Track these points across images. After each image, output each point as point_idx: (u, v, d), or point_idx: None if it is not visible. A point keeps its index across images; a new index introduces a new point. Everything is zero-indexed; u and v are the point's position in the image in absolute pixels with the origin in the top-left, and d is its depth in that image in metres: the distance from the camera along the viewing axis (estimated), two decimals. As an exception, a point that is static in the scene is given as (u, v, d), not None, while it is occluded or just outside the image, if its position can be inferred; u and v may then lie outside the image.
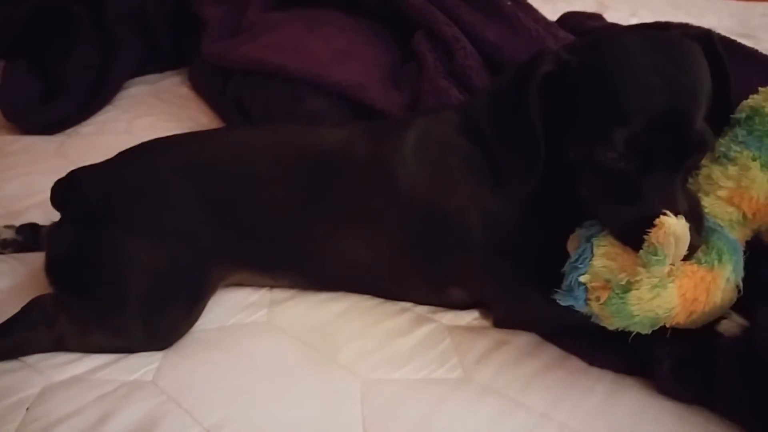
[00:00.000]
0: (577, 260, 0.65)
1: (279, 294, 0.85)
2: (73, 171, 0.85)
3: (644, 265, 0.60)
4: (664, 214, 0.59)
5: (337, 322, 0.79)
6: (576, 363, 0.71)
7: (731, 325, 0.64)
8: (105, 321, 0.74)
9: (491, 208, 0.75)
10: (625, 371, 0.69)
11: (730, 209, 0.65)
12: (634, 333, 0.63)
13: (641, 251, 0.59)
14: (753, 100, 0.68)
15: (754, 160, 0.65)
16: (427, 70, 0.97)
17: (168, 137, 0.88)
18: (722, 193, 0.66)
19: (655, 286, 0.60)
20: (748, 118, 0.67)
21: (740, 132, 0.66)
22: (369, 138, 0.83)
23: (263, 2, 1.25)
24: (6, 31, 1.47)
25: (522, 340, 0.75)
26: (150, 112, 1.36)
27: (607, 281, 0.62)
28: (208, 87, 1.30)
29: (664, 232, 0.57)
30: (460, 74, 0.96)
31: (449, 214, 0.77)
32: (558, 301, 0.66)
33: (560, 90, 0.66)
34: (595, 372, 0.70)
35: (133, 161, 0.83)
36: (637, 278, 0.60)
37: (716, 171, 0.67)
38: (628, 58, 0.64)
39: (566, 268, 0.66)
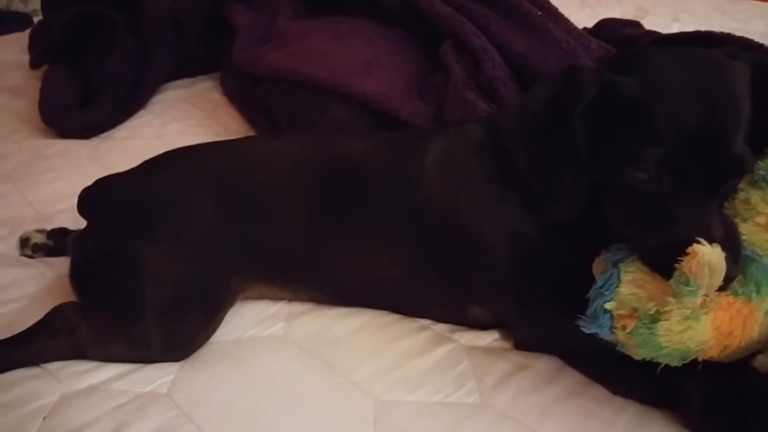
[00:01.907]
0: (602, 286, 0.61)
1: (297, 307, 0.82)
2: (99, 180, 0.84)
3: (675, 295, 0.55)
4: (698, 241, 0.55)
5: (354, 339, 0.76)
6: (598, 391, 0.67)
7: (768, 361, 0.59)
8: (124, 330, 0.73)
9: (515, 227, 0.71)
10: (650, 403, 0.65)
11: (770, 237, 0.60)
12: (662, 364, 0.59)
13: (672, 280, 0.55)
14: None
15: (796, 184, 0.60)
16: (454, 80, 0.94)
17: (190, 147, 0.87)
18: (761, 219, 0.60)
19: (686, 318, 0.55)
20: (792, 139, 0.62)
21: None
22: (390, 149, 0.80)
23: (292, 10, 1.23)
24: (49, 36, 1.48)
25: (543, 364, 0.71)
26: (181, 117, 1.35)
27: (635, 310, 0.58)
28: (238, 93, 1.29)
29: (698, 261, 0.53)
30: (488, 86, 0.92)
31: (472, 231, 0.73)
32: (582, 328, 0.61)
33: (596, 112, 0.62)
34: (619, 402, 0.65)
35: (154, 171, 0.82)
36: (667, 308, 0.56)
37: (755, 196, 0.62)
38: (666, 76, 0.59)
39: (591, 294, 0.62)
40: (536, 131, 0.67)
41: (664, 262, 0.57)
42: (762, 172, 0.62)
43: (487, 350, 0.74)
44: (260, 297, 0.83)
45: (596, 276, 0.67)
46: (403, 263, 0.77)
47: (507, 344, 0.76)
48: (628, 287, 0.59)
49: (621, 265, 0.61)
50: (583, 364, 0.69)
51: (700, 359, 0.58)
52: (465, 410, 0.65)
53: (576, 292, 0.68)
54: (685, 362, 0.58)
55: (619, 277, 0.60)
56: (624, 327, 0.58)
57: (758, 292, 0.56)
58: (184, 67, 1.52)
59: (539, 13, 0.95)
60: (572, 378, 0.69)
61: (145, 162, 0.85)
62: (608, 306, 0.60)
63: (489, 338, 0.77)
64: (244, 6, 1.32)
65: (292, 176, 0.79)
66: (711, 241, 0.55)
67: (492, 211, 0.73)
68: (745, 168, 0.59)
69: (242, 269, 0.79)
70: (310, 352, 0.74)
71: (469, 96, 0.91)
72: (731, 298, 0.56)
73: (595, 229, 0.68)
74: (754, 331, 0.57)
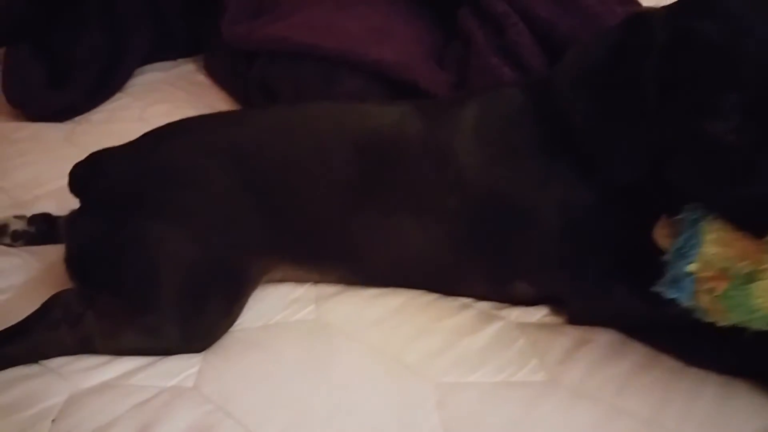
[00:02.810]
0: (682, 247, 0.56)
1: (325, 289, 0.75)
2: (94, 153, 0.74)
3: (774, 251, 0.51)
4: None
5: (395, 319, 0.69)
6: (671, 362, 0.62)
7: None
8: (137, 319, 0.64)
9: (568, 195, 0.66)
10: (730, 373, 0.60)
11: None
12: (743, 332, 0.54)
13: (771, 235, 0.51)
14: None
15: None
16: (477, 47, 0.88)
17: (199, 116, 0.78)
18: None
19: (787, 275, 0.51)
20: None
21: None
22: (423, 117, 0.73)
23: (287, -18, 1.15)
24: (10, 12, 1.35)
25: (605, 337, 0.65)
26: (165, 99, 1.25)
27: (724, 270, 0.53)
28: (229, 73, 1.19)
29: (806, 212, 0.49)
30: (512, 52, 0.87)
31: (519, 200, 0.67)
32: (661, 294, 0.56)
33: (667, 62, 0.57)
34: (697, 373, 0.60)
35: (164, 142, 0.73)
36: (764, 266, 0.51)
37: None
38: (745, 18, 0.54)
39: (670, 256, 0.57)
40: (598, 86, 0.62)
41: (756, 219, 0.52)
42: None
43: (540, 326, 0.69)
44: (284, 279, 0.75)
45: (658, 240, 0.62)
46: (443, 239, 0.70)
47: (559, 319, 0.70)
48: (713, 247, 0.54)
49: (701, 224, 0.56)
50: (650, 336, 0.64)
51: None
52: (534, 389, 0.59)
53: (637, 260, 0.64)
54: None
55: (700, 237, 0.55)
56: (711, 290, 0.53)
57: None
58: (164, 50, 1.41)
59: (563, -23, 0.91)
60: (640, 350, 0.64)
61: (147, 134, 0.76)
62: (691, 268, 0.55)
63: (539, 314, 0.71)
64: (231, -21, 1.23)
65: (319, 146, 0.72)
66: (805, 193, 0.51)
67: (541, 179, 0.67)
68: None
69: (267, 249, 0.71)
70: (351, 335, 0.67)
71: (493, 62, 0.86)
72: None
73: (654, 194, 0.63)
74: None
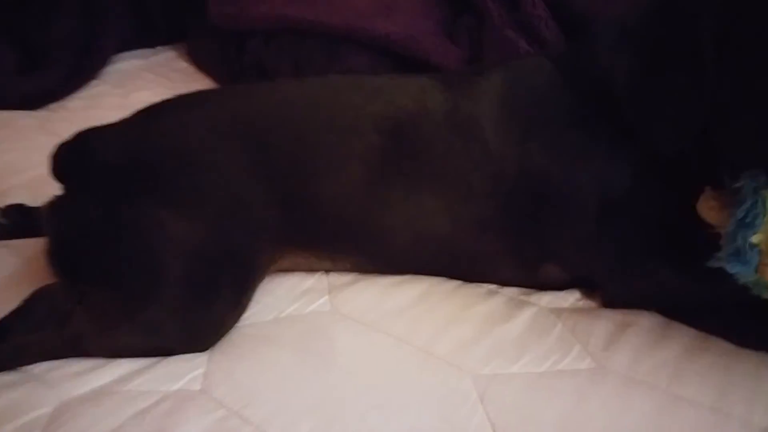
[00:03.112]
0: (745, 217, 0.51)
1: (338, 278, 0.68)
2: (82, 132, 0.66)
3: None
4: None
5: (420, 308, 0.63)
6: (723, 344, 0.57)
7: None
8: (135, 315, 0.56)
9: (606, 168, 0.61)
10: (791, 353, 0.56)
11: None
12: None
13: None
14: None
15: None
16: (491, 20, 0.83)
17: (200, 92, 0.71)
18: None
19: None
20: None
21: None
22: (445, 90, 0.67)
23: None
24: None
25: (647, 320, 0.61)
26: (146, 86, 1.17)
27: (793, 240, 0.49)
28: (217, 58, 1.12)
29: None
30: (528, 25, 0.82)
31: (552, 176, 0.62)
32: (724, 266, 0.51)
33: (726, 12, 0.52)
34: (753, 353, 0.56)
35: (163, 118, 0.66)
36: (842, 233, 0.47)
37: None
38: None
39: (730, 228, 0.52)
40: (645, 44, 0.57)
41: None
42: None
43: (575, 311, 0.63)
44: (292, 269, 0.68)
45: (705, 216, 0.57)
46: (468, 219, 0.65)
47: (593, 303, 0.65)
48: (780, 215, 0.50)
49: (764, 192, 0.51)
50: (697, 317, 0.60)
51: None
52: (583, 377, 0.54)
53: (682, 236, 0.59)
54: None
55: (764, 206, 0.51)
56: (779, 261, 0.49)
57: None
58: (142, 36, 1.33)
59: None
60: (687, 332, 0.59)
61: (142, 111, 0.68)
62: (756, 239, 0.50)
63: (571, 298, 0.66)
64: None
65: (333, 122, 0.65)
66: None
67: (576, 152, 0.62)
68: None
69: (277, 235, 0.64)
70: (372, 326, 0.61)
71: (509, 35, 0.81)
72: None
73: (696, 163, 0.59)
74: None
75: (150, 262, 0.57)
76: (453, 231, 0.65)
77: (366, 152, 0.64)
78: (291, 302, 0.65)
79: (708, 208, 0.57)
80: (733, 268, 0.51)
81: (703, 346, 0.57)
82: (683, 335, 0.58)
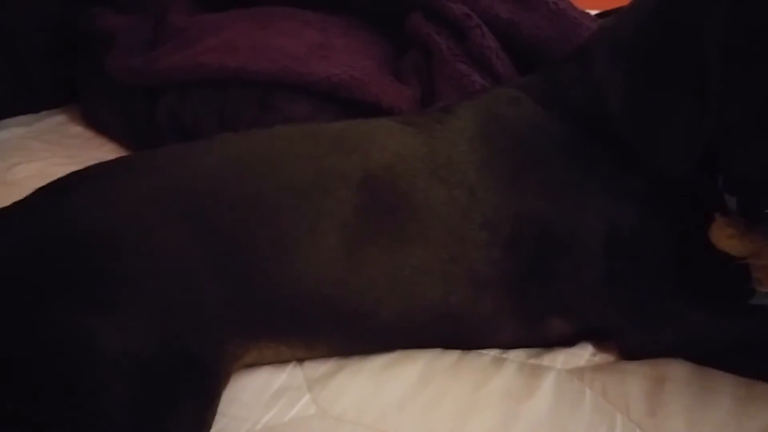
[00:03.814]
0: (789, 245, 0.46)
1: (315, 368, 0.57)
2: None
3: None
4: None
5: (426, 396, 0.52)
6: (769, 388, 0.52)
7: None
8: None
9: (608, 203, 0.55)
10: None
11: None
12: None
13: None
14: None
15: None
16: (441, 54, 0.76)
17: (119, 159, 0.58)
18: None
19: None
20: None
21: None
22: (415, 133, 0.59)
23: (186, 7, 0.96)
24: None
25: (680, 370, 0.54)
26: (35, 157, 0.99)
27: None
28: (121, 118, 0.97)
29: None
30: (478, 57, 0.76)
31: (550, 218, 0.55)
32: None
33: (731, 23, 0.47)
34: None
35: (74, 197, 0.52)
36: None
37: None
38: None
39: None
40: (643, 58, 0.53)
41: None
42: None
43: (597, 369, 0.56)
44: (257, 362, 0.56)
45: (721, 245, 0.53)
46: (462, 278, 0.56)
47: (610, 357, 0.58)
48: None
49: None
50: (735, 361, 0.53)
51: None
52: (643, 456, 0.46)
53: (702, 271, 0.54)
54: None
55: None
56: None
57: None
58: (23, 100, 1.15)
59: (514, -24, 0.82)
60: (729, 379, 0.52)
61: (42, 189, 0.54)
62: (805, 269, 0.45)
63: (586, 354, 0.58)
64: (112, 10, 1.02)
65: (299, 184, 0.55)
66: None
67: (574, 190, 0.56)
68: None
69: (239, 327, 0.52)
70: (377, 425, 0.49)
71: (462, 69, 0.74)
72: None
73: (703, 189, 0.54)
74: None
75: (82, 385, 0.43)
76: (446, 293, 0.56)
77: (336, 213, 0.54)
78: (265, 409, 0.52)
79: (726, 237, 0.53)
80: (785, 305, 0.46)
81: (755, 393, 0.50)
82: (727, 384, 0.52)
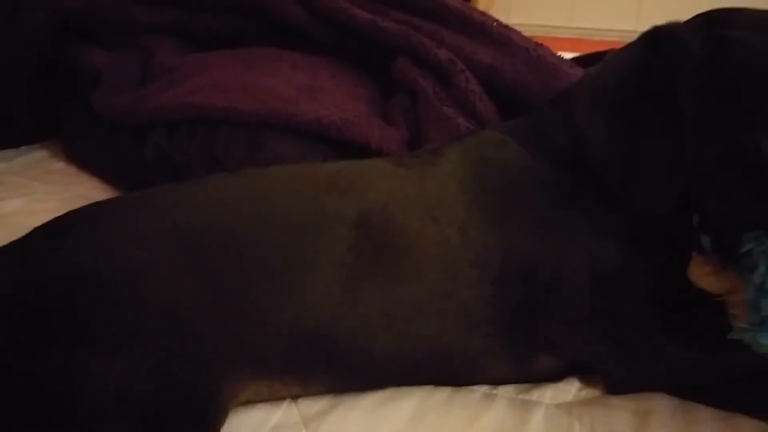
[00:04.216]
0: (763, 284, 0.49)
1: (310, 406, 0.58)
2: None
3: None
4: None
5: (422, 430, 0.54)
6: (752, 421, 0.54)
7: None
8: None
9: (595, 244, 0.58)
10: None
11: None
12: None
13: None
14: None
15: None
16: (427, 97, 0.79)
17: (116, 199, 0.59)
18: None
19: None
20: None
21: None
22: (406, 174, 0.62)
23: (175, 47, 0.99)
24: None
25: (664, 404, 0.57)
26: (16, 193, 0.99)
27: (818, 301, 0.48)
28: (105, 155, 0.98)
29: None
30: (463, 101, 0.80)
31: (538, 258, 0.58)
32: (750, 339, 0.49)
33: (703, 76, 0.52)
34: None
35: (73, 237, 0.53)
36: None
37: None
38: None
39: (750, 296, 0.50)
40: (622, 108, 0.56)
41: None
42: None
43: (585, 404, 0.58)
44: (251, 400, 0.57)
45: (699, 283, 0.56)
46: (455, 315, 0.58)
47: (596, 391, 0.60)
48: (799, 277, 0.49)
49: (774, 253, 0.50)
50: (715, 395, 0.57)
51: None
52: (633, 488, 0.48)
53: (683, 308, 0.57)
54: None
55: (779, 268, 0.50)
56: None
57: None
58: (2, 136, 1.15)
59: (494, 23, 0.87)
60: (710, 413, 0.55)
61: (39, 230, 0.55)
62: (780, 304, 0.48)
63: (573, 389, 0.61)
64: (98, 48, 1.03)
65: (296, 224, 0.57)
66: None
67: (560, 232, 0.59)
68: None
69: (236, 363, 0.53)
70: (373, 463, 0.50)
71: (448, 112, 0.78)
72: None
73: (681, 228, 0.58)
74: None
75: (81, 426, 0.43)
76: (439, 330, 0.58)
77: (332, 251, 0.56)
78: (262, 446, 0.53)
79: (703, 275, 0.56)
80: (762, 339, 0.49)
81: (736, 426, 0.53)
82: (708, 417, 0.55)
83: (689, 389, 0.58)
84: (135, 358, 0.47)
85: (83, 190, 1.00)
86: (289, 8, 0.92)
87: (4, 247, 0.53)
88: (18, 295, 0.48)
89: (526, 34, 0.87)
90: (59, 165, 1.11)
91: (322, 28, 0.92)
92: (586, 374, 0.62)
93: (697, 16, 0.57)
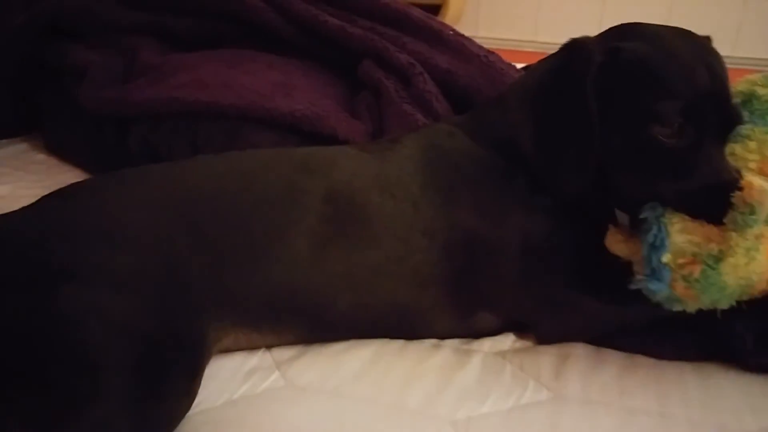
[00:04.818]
0: (653, 242, 0.62)
1: (282, 353, 0.68)
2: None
3: (736, 229, 0.59)
4: (739, 178, 0.60)
5: (377, 369, 0.65)
6: (649, 359, 0.67)
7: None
8: (81, 415, 0.51)
9: (526, 218, 0.70)
10: (699, 358, 0.67)
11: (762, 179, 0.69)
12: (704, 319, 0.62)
13: (734, 215, 0.59)
14: (741, 86, 0.74)
15: (766, 134, 0.70)
16: (389, 95, 0.91)
17: (110, 173, 0.69)
18: (752, 165, 0.69)
19: (749, 249, 0.59)
20: (745, 102, 0.73)
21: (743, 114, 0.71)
22: (369, 158, 0.74)
23: (158, 47, 1.09)
24: None
25: (582, 349, 0.69)
26: (2, 181, 1.08)
27: (695, 255, 0.60)
28: (90, 145, 1.08)
29: (758, 190, 0.58)
30: (421, 99, 0.92)
31: (478, 231, 0.70)
32: (644, 287, 0.62)
33: (605, 78, 0.65)
34: (673, 363, 0.66)
35: (83, 199, 0.63)
36: (731, 244, 0.59)
37: (737, 148, 0.70)
38: (671, 44, 0.65)
39: (644, 252, 0.63)
40: (544, 102, 0.69)
41: (711, 205, 0.61)
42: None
43: (517, 351, 0.70)
44: (231, 348, 0.67)
45: (613, 249, 0.68)
46: (408, 277, 0.70)
47: (528, 342, 0.72)
48: (681, 236, 0.61)
49: (664, 219, 0.63)
50: (621, 340, 0.69)
51: (756, 293, 0.62)
52: (548, 407, 0.60)
53: (597, 269, 0.69)
54: (738, 302, 0.62)
55: (667, 230, 0.62)
56: (688, 275, 0.60)
57: (784, 221, 0.63)
58: (-17, 128, 1.24)
59: (451, 32, 1.00)
60: (617, 354, 0.68)
61: (49, 195, 0.65)
62: (666, 258, 0.61)
63: (508, 341, 0.72)
64: (84, 46, 1.13)
65: (274, 197, 0.68)
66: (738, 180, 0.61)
67: (497, 209, 0.71)
68: (742, 118, 0.67)
69: (220, 313, 0.63)
70: (336, 393, 0.61)
71: (407, 109, 0.90)
72: (772, 228, 0.62)
73: (599, 205, 0.70)
74: (788, 259, 0.63)
75: (90, 354, 0.53)
76: (395, 289, 0.70)
77: (303, 220, 0.67)
78: (240, 383, 0.63)
79: (615, 242, 0.68)
80: (652, 286, 0.61)
81: (635, 363, 0.66)
82: (615, 357, 0.68)
83: (602, 337, 0.70)
84: (139, 297, 0.57)
85: (66, 179, 1.08)
86: (266, 15, 1.04)
87: (17, 210, 0.63)
88: (38, 244, 0.57)
89: (492, 47, 1.00)
90: (41, 156, 1.20)
91: (296, 32, 1.04)
92: (521, 330, 0.74)
93: (605, 30, 0.71)
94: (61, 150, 1.17)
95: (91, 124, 1.07)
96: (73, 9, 1.17)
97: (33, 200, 0.69)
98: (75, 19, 1.16)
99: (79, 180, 1.06)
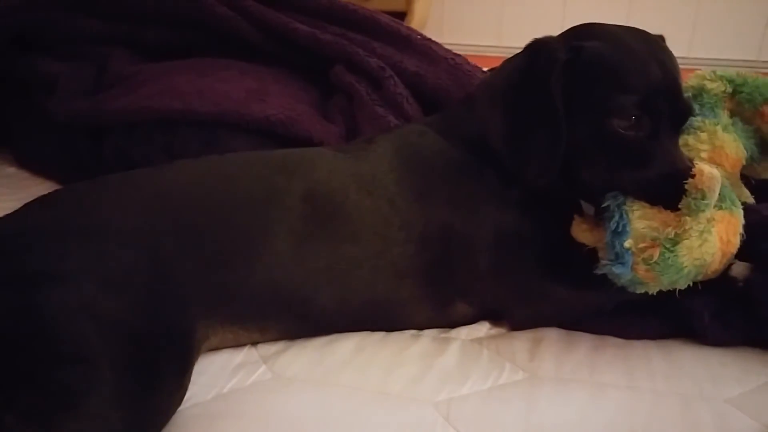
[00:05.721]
0: (616, 228, 0.68)
1: (268, 348, 0.72)
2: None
3: (690, 214, 0.65)
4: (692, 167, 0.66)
5: (361, 358, 0.69)
6: (616, 339, 0.73)
7: (742, 269, 0.72)
8: (76, 409, 0.54)
9: (498, 211, 0.75)
10: (661, 336, 0.72)
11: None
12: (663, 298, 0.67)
13: (686, 201, 0.65)
14: (692, 81, 0.81)
15: (715, 125, 0.77)
16: (361, 99, 0.96)
17: (99, 178, 0.72)
18: (704, 155, 0.76)
19: (702, 232, 0.65)
20: (695, 96, 0.80)
21: (695, 107, 0.78)
22: (344, 158, 0.78)
23: (128, 57, 1.12)
24: None
25: (553, 333, 0.75)
26: (-25, 193, 1.09)
27: (654, 239, 0.66)
28: (60, 158, 1.10)
29: (708, 176, 0.64)
30: (392, 102, 0.97)
31: (453, 224, 0.75)
32: (609, 271, 0.67)
33: (568, 75, 0.70)
34: (637, 342, 0.72)
35: (68, 203, 0.66)
36: (686, 227, 0.65)
37: (690, 139, 0.77)
38: (627, 43, 0.71)
39: (607, 238, 0.68)
40: (511, 99, 0.74)
41: (667, 192, 0.67)
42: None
43: (492, 337, 0.75)
44: (219, 346, 0.71)
45: (579, 237, 0.74)
46: (387, 270, 0.74)
47: (502, 330, 0.77)
48: (640, 222, 0.67)
49: (624, 207, 0.69)
50: (588, 323, 0.75)
51: (709, 272, 0.68)
52: (524, 386, 0.65)
53: (565, 257, 0.75)
54: (694, 281, 0.68)
55: (628, 217, 0.68)
56: (648, 258, 0.65)
57: (735, 205, 0.70)
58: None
59: (418, 36, 1.05)
60: (587, 336, 0.73)
61: (33, 202, 0.68)
62: (628, 243, 0.67)
63: (484, 329, 0.77)
64: (52, 58, 1.15)
65: (256, 197, 0.72)
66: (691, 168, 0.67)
67: (470, 203, 0.75)
68: (694, 111, 0.74)
69: (207, 311, 0.67)
70: (322, 383, 0.65)
71: (379, 111, 0.94)
72: (722, 212, 0.68)
73: (565, 196, 0.76)
74: (737, 240, 0.69)
75: (85, 348, 0.56)
76: (374, 282, 0.74)
77: (284, 219, 0.71)
78: (229, 377, 0.67)
79: (581, 231, 0.74)
80: (616, 270, 0.67)
81: (604, 343, 0.72)
82: (584, 339, 0.73)
83: (572, 322, 0.76)
84: (126, 297, 0.60)
85: (39, 191, 1.08)
86: (236, 23, 1.08)
87: (5, 216, 0.66)
88: (27, 244, 0.60)
89: (458, 53, 1.05)
90: (11, 170, 1.21)
91: (268, 40, 1.08)
92: (495, 319, 0.79)
93: (567, 30, 0.76)
94: (32, 163, 1.19)
95: (63, 135, 1.09)
96: (36, 21, 1.18)
97: (6, 213, 0.71)
98: (39, 31, 1.18)
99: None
